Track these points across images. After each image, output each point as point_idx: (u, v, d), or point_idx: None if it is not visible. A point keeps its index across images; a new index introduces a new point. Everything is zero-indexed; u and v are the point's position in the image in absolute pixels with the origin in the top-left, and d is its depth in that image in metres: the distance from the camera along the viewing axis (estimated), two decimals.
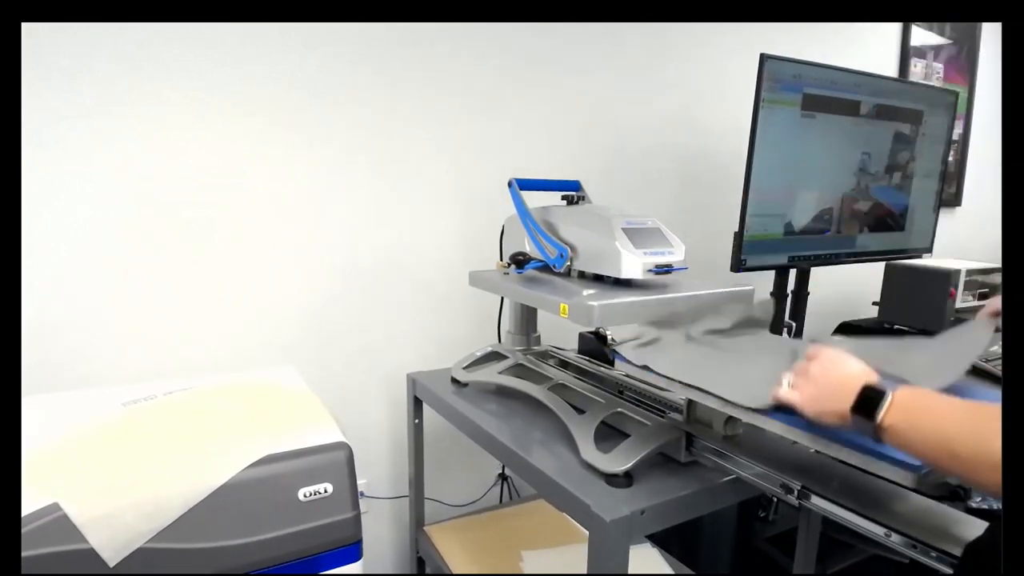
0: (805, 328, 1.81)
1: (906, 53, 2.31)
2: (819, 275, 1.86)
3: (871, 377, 0.57)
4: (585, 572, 0.77)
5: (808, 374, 0.61)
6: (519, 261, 1.09)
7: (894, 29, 2.29)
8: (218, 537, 0.76)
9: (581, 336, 1.24)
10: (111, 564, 0.70)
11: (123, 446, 0.81)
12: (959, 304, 1.69)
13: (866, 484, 0.68)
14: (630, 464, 0.80)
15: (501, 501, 1.67)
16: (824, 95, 1.54)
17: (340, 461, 0.85)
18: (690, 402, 0.86)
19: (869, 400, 0.54)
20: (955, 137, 2.57)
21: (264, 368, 1.19)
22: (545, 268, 1.09)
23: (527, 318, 1.24)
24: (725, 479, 0.82)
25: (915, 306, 1.67)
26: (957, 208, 2.71)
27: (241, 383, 1.06)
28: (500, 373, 1.15)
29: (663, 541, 1.36)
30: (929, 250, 1.95)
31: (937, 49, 2.43)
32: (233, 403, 0.97)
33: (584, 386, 1.04)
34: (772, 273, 1.70)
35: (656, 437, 0.84)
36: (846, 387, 0.57)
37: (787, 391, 0.63)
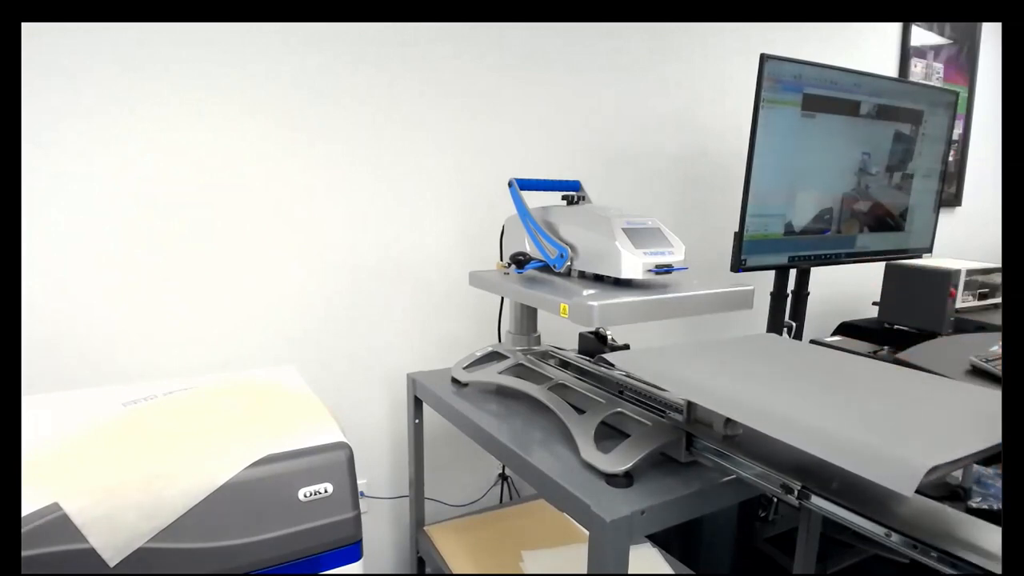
0: (805, 328, 1.81)
1: (906, 53, 2.31)
2: (819, 275, 1.86)
3: None
4: (585, 572, 0.77)
5: None
6: (519, 261, 1.09)
7: (894, 29, 2.29)
8: (218, 537, 0.76)
9: (581, 336, 1.24)
10: (111, 564, 0.70)
11: (123, 446, 0.81)
12: (959, 304, 1.69)
13: (866, 484, 0.68)
14: (630, 464, 0.80)
15: (501, 501, 1.67)
16: (824, 95, 1.54)
17: (340, 461, 0.85)
18: (690, 402, 0.86)
19: None
20: (955, 137, 2.58)
21: (264, 368, 1.19)
22: (545, 268, 1.09)
23: (527, 318, 1.24)
24: (725, 479, 0.82)
25: (915, 306, 1.66)
26: (957, 208, 2.71)
27: (241, 383, 1.06)
28: (500, 373, 1.15)
29: (663, 541, 1.36)
30: (929, 250, 1.95)
31: (937, 49, 2.43)
32: (233, 403, 0.97)
33: (584, 386, 1.04)
34: (772, 273, 1.70)
35: (656, 437, 0.84)
36: None
37: None
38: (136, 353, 1.19)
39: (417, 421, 1.30)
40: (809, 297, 1.76)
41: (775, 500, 1.69)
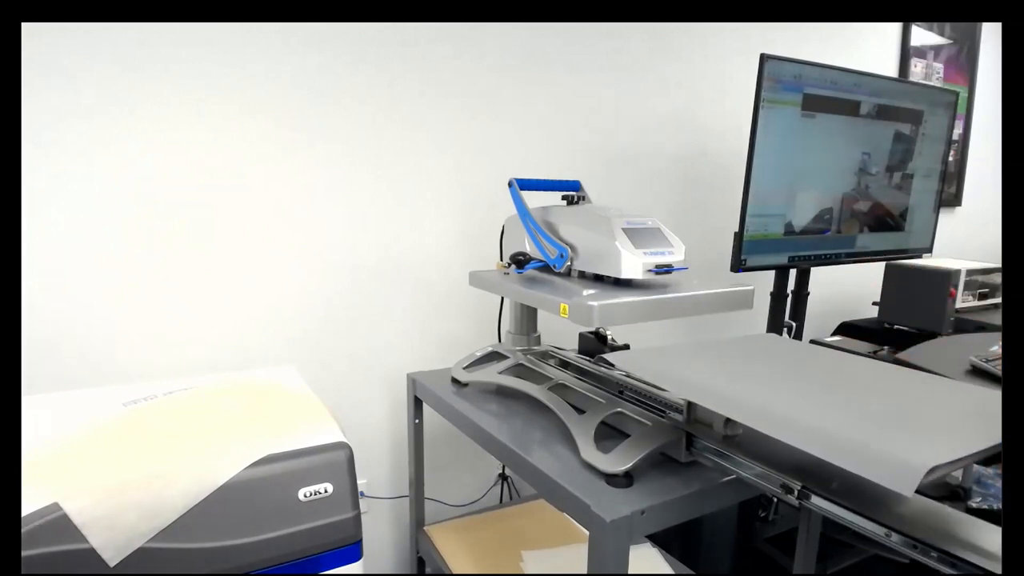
0: (805, 328, 1.81)
1: (906, 53, 2.31)
2: (819, 275, 1.86)
3: None
4: (585, 572, 0.77)
5: None
6: (519, 261, 1.09)
7: (894, 29, 2.29)
8: (218, 537, 0.76)
9: (581, 336, 1.24)
10: (111, 564, 0.70)
11: (123, 446, 0.81)
12: (959, 304, 1.69)
13: (866, 484, 0.68)
14: (630, 464, 0.80)
15: (501, 501, 1.67)
16: (824, 95, 1.54)
17: (340, 461, 0.85)
18: (690, 402, 0.86)
19: None
20: (955, 137, 2.58)
21: (264, 368, 1.19)
22: (545, 268, 1.09)
23: (527, 318, 1.24)
24: (725, 479, 0.82)
25: (915, 306, 1.66)
26: (957, 208, 2.71)
27: (241, 383, 1.06)
28: (500, 373, 1.15)
29: (663, 541, 1.36)
30: (929, 250, 1.95)
31: (937, 49, 2.43)
32: (233, 403, 0.97)
33: (584, 386, 1.04)
34: (772, 273, 1.70)
35: (656, 437, 0.84)
36: None
37: None
38: (136, 353, 1.19)
39: (417, 421, 1.30)
40: (809, 297, 1.76)
41: (775, 500, 1.69)
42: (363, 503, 1.44)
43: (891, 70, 2.30)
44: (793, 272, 1.71)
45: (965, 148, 2.64)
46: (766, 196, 1.51)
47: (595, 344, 1.20)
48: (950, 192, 2.63)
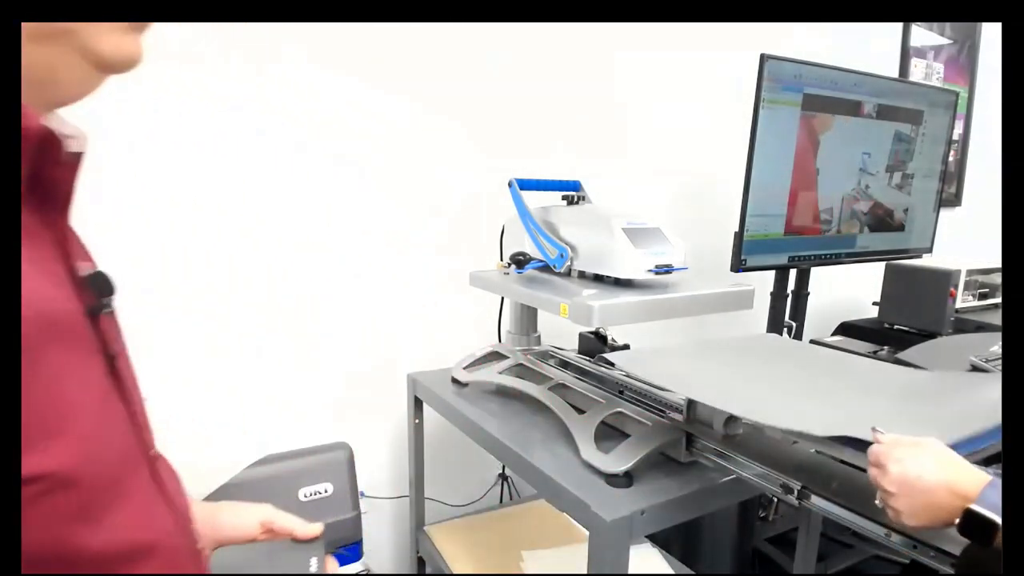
0: (805, 328, 1.81)
1: (906, 53, 2.31)
2: (819, 275, 1.86)
3: (959, 491, 0.53)
4: (585, 572, 0.78)
5: (891, 495, 0.56)
6: (519, 261, 1.09)
7: (894, 29, 2.28)
8: None
9: (581, 336, 1.24)
10: None
11: None
12: (959, 304, 1.69)
13: (866, 484, 0.69)
14: (630, 464, 0.80)
15: (501, 501, 1.67)
16: (825, 95, 1.54)
17: (340, 461, 0.85)
18: (690, 402, 0.86)
19: (979, 527, 0.50)
20: (955, 137, 2.58)
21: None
22: (545, 268, 1.09)
23: (527, 318, 1.24)
24: (725, 479, 0.82)
25: (915, 306, 1.66)
26: (957, 208, 2.71)
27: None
28: (500, 373, 1.15)
29: (663, 541, 1.36)
30: (929, 250, 1.95)
31: (937, 49, 2.43)
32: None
33: (584, 386, 1.04)
34: (772, 273, 1.70)
35: (656, 437, 0.84)
36: (940, 510, 0.54)
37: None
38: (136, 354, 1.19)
39: (417, 421, 1.30)
40: (809, 297, 1.76)
41: (775, 500, 1.69)
42: (363, 503, 1.44)
43: (891, 70, 2.29)
44: (793, 272, 1.71)
45: (965, 148, 2.64)
46: (766, 196, 1.50)
47: (595, 344, 1.20)
48: (950, 192, 2.63)
